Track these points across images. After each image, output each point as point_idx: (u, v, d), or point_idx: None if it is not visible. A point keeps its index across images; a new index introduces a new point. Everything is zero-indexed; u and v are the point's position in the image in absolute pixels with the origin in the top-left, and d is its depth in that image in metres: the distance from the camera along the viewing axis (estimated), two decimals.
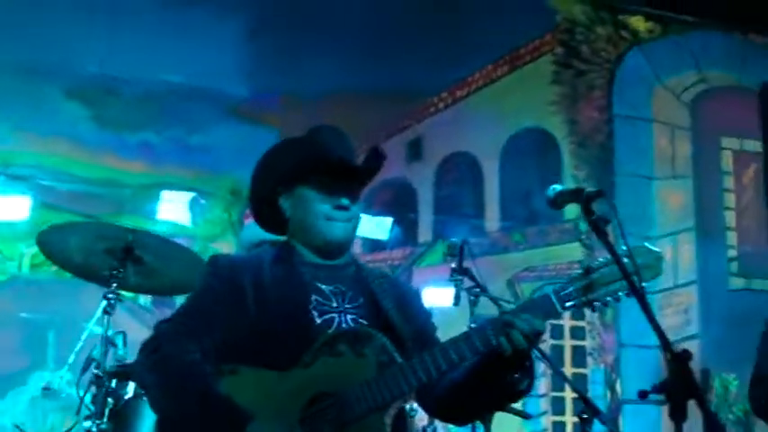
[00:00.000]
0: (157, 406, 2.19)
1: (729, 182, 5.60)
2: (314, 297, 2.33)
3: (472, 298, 3.61)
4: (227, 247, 4.40)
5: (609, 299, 2.25)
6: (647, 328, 5.81)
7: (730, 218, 5.54)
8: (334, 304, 2.35)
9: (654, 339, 5.86)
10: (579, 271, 2.27)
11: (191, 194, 4.60)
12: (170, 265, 3.27)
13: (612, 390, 5.13)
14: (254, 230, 4.09)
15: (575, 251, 5.19)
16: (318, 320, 2.29)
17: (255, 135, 4.70)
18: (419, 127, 4.99)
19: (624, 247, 2.20)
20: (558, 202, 2.46)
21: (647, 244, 2.31)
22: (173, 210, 4.54)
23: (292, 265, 2.39)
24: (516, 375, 2.25)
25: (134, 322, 4.27)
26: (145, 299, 4.28)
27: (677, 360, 1.99)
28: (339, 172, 2.40)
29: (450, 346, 2.22)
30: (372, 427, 2.17)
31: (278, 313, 2.28)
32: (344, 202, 2.38)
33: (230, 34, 4.70)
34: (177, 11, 4.63)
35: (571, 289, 2.25)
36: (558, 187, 2.46)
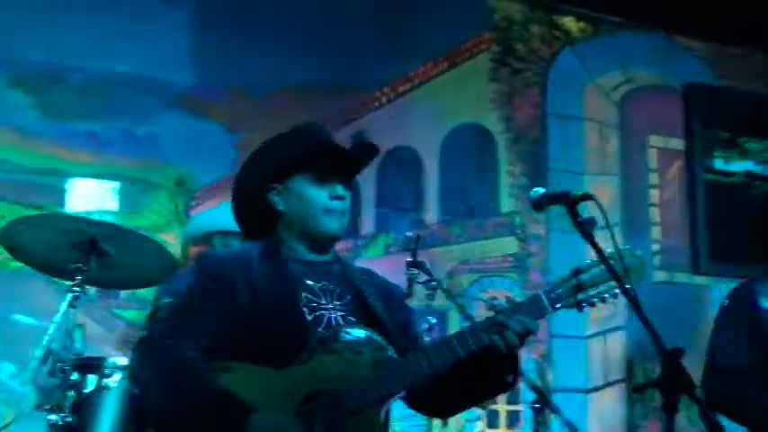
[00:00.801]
0: (157, 404, 2.21)
1: (654, 179, 5.83)
2: (304, 294, 2.38)
3: (429, 292, 3.71)
4: (171, 237, 4.38)
5: (596, 300, 2.37)
6: (577, 319, 6.02)
7: (654, 213, 5.76)
8: (324, 301, 2.41)
9: (584, 330, 6.05)
10: (568, 272, 2.39)
11: (112, 183, 4.55)
12: (135, 257, 3.26)
13: (543, 379, 5.29)
14: (200, 222, 4.11)
15: (510, 245, 5.34)
16: (309, 317, 2.35)
17: (202, 127, 4.70)
18: (362, 121, 5.04)
19: (611, 250, 2.32)
20: (542, 203, 2.56)
21: (630, 247, 2.44)
22: (83, 199, 4.48)
23: (281, 261, 2.42)
24: (503, 370, 2.35)
25: (79, 313, 4.22)
26: (90, 290, 4.24)
27: (669, 356, 2.12)
28: (334, 160, 2.44)
29: (445, 345, 2.30)
30: (368, 423, 2.24)
31: (269, 310, 2.32)
32: (341, 191, 2.43)
33: (178, 24, 4.68)
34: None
35: (561, 290, 2.36)
36: (540, 190, 2.57)
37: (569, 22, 5.75)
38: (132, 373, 2.33)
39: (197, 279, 2.36)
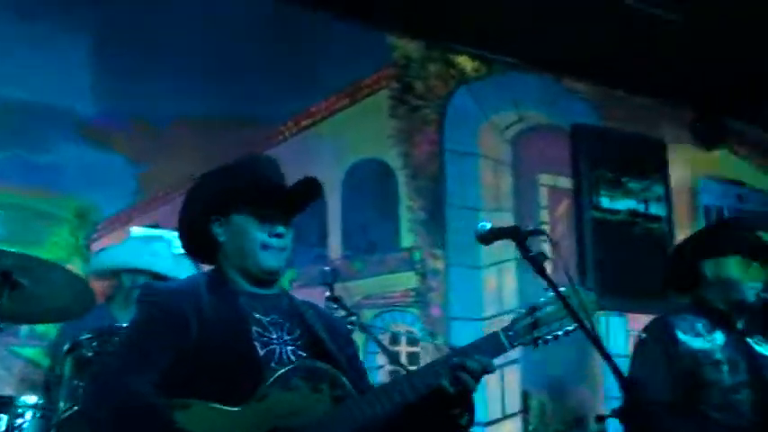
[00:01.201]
0: None
1: (545, 216, 5.99)
2: (254, 328, 2.34)
3: (349, 326, 3.69)
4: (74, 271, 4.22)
5: (550, 337, 2.42)
6: (476, 302, 6.01)
7: (546, 249, 5.89)
8: (274, 335, 2.37)
9: (481, 312, 6.08)
10: (524, 310, 2.43)
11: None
12: (51, 289, 3.13)
13: None
14: (108, 258, 3.98)
15: (411, 279, 5.38)
16: (261, 352, 2.30)
17: (103, 157, 4.56)
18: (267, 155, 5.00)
19: (562, 288, 2.37)
20: (489, 238, 2.60)
21: (579, 287, 2.49)
22: None
23: (229, 293, 2.38)
24: (457, 411, 2.35)
25: None
26: None
27: (630, 389, 2.18)
28: (276, 199, 2.43)
29: (403, 383, 2.29)
30: None
31: (220, 343, 2.27)
32: (280, 230, 2.41)
33: (79, 51, 4.55)
34: (23, 24, 4.43)
35: (518, 327, 2.40)
36: (487, 225, 2.61)
37: (464, 61, 5.88)
38: (87, 411, 2.22)
39: (147, 311, 2.29)
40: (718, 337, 3.69)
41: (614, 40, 5.73)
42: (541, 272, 2.38)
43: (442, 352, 5.35)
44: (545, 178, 6.04)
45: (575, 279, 5.64)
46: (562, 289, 2.38)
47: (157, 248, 3.79)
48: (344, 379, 2.28)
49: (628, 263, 5.98)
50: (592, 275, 5.91)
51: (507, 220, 5.78)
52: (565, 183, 6.11)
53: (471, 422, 2.40)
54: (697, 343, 3.64)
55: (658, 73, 6.33)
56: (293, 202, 2.47)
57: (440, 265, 5.46)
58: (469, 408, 2.36)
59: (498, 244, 5.69)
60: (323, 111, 5.30)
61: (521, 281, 5.75)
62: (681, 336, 3.64)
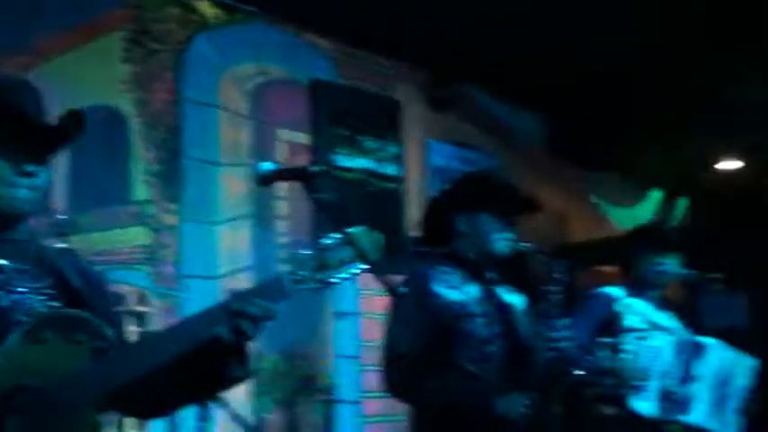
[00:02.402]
0: None
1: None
2: None
3: None
4: None
5: (335, 280, 2.30)
6: (211, 259, 5.80)
7: (282, 207, 5.81)
8: (20, 284, 2.12)
9: (216, 270, 5.88)
10: (309, 252, 2.29)
11: None
12: None
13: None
14: None
15: (142, 235, 5.08)
16: (6, 302, 2.06)
17: None
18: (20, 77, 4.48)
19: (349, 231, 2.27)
20: (271, 179, 2.46)
21: (366, 228, 2.39)
22: None
23: None
24: (232, 360, 2.20)
25: None
26: None
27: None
28: (29, 133, 2.15)
29: (164, 337, 2.12)
30: (81, 424, 1.98)
31: None
32: (29, 167, 2.15)
33: None
34: None
35: (304, 272, 2.26)
36: (270, 164, 2.45)
37: (205, 7, 5.59)
38: None
39: None
40: (473, 290, 3.78)
41: None
42: (329, 214, 2.27)
43: (171, 312, 5.10)
44: (284, 134, 5.91)
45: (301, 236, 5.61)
46: (350, 230, 2.27)
47: None
48: (107, 330, 2.06)
49: (363, 221, 5.98)
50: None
51: (246, 174, 5.62)
52: (303, 139, 6.02)
53: (246, 373, 2.25)
54: (453, 295, 3.71)
55: (395, 34, 6.38)
56: (50, 138, 2.19)
57: (173, 220, 5.20)
58: (245, 358, 2.21)
59: (236, 200, 5.56)
60: (47, 49, 4.82)
61: (256, 237, 5.61)
62: (436, 288, 3.69)
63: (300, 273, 2.23)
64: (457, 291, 3.71)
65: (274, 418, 5.47)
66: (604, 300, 4.78)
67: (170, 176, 5.22)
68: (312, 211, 5.84)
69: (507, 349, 3.73)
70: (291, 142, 5.94)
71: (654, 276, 4.96)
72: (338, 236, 2.28)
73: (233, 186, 5.53)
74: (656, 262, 4.96)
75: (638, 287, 4.94)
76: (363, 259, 2.26)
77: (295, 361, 5.64)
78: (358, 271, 2.30)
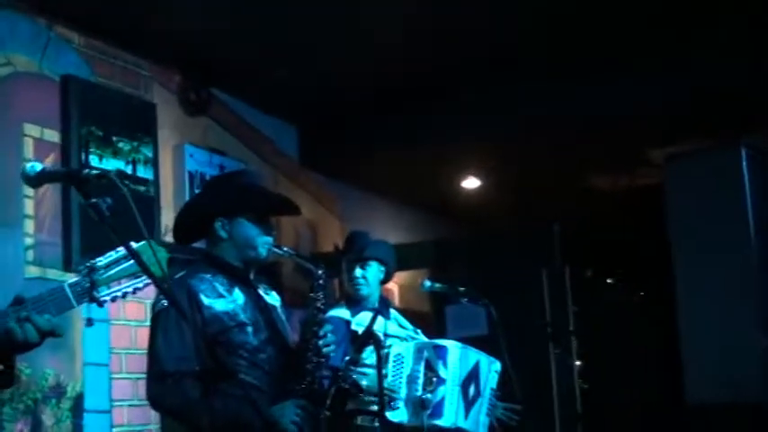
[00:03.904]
0: None
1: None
2: None
3: None
4: None
5: (119, 294, 2.23)
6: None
7: (29, 206, 5.50)
8: None
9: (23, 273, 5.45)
10: (88, 264, 2.21)
11: None
12: None
13: None
14: None
15: None
16: None
17: None
18: None
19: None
20: (39, 181, 2.33)
21: (153, 243, 2.32)
22: None
23: None
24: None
25: None
26: None
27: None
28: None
29: None
30: None
31: None
32: None
33: None
34: None
35: (86, 283, 2.18)
36: (37, 166, 2.33)
37: None
38: None
39: None
40: (239, 297, 3.71)
41: None
42: (104, 221, 2.17)
43: None
44: (30, 129, 5.60)
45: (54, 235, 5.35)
46: (135, 245, 2.19)
47: None
48: None
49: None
50: (78, 234, 5.62)
51: None
52: (53, 136, 5.73)
53: (12, 381, 2.13)
54: (220, 305, 3.63)
55: (151, 35, 6.26)
56: None
57: None
58: (10, 365, 2.10)
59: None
60: None
61: None
62: (204, 300, 3.60)
63: (83, 284, 2.18)
64: (224, 300, 3.64)
65: (20, 427, 5.14)
66: (337, 325, 4.59)
67: None
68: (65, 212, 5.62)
69: (276, 354, 3.72)
70: (39, 139, 5.64)
71: (355, 288, 5.04)
72: (121, 250, 2.22)
73: None
74: (356, 273, 5.04)
75: (356, 302, 5.03)
76: (145, 273, 2.21)
77: (41, 368, 5.34)
78: (142, 285, 2.26)
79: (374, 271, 5.11)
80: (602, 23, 6.37)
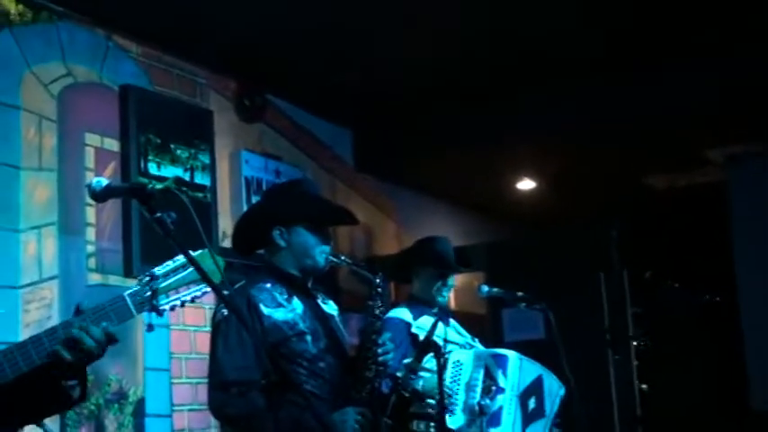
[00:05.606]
0: None
1: (91, 178, 5.63)
2: None
3: None
4: None
5: (178, 303, 2.24)
6: (13, 268, 5.55)
7: (90, 214, 5.58)
8: None
9: (19, 280, 5.68)
10: (148, 274, 2.22)
11: None
12: None
13: None
14: None
15: None
16: None
17: None
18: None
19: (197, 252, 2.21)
20: (105, 196, 2.36)
21: (208, 251, 2.33)
22: None
23: None
24: (71, 382, 2.11)
25: None
26: None
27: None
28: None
29: (15, 352, 1.99)
30: None
31: None
32: None
33: None
34: None
35: (146, 292, 2.20)
36: (103, 181, 2.36)
37: (8, 3, 5.31)
38: None
39: None
40: (297, 306, 3.72)
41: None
42: (169, 235, 2.18)
43: None
44: (91, 138, 5.69)
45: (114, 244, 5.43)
46: (194, 253, 2.21)
47: None
48: None
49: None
50: (137, 241, 5.69)
51: (51, 180, 5.37)
52: (112, 145, 5.81)
53: (84, 397, 2.15)
54: (280, 314, 3.63)
55: (207, 43, 6.31)
56: None
57: None
58: (83, 379, 2.12)
59: (41, 207, 5.31)
60: None
61: (61, 245, 5.36)
62: (264, 309, 3.61)
63: (143, 294, 2.20)
64: (283, 309, 3.64)
65: (83, 431, 5.22)
66: (397, 326, 4.69)
67: None
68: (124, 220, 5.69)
69: (336, 362, 3.72)
70: (100, 148, 5.72)
71: (431, 293, 5.01)
72: (181, 258, 2.23)
73: (37, 192, 5.27)
74: (434, 278, 5.03)
75: (419, 305, 4.99)
76: (206, 281, 2.22)
77: (104, 374, 5.41)
78: (200, 293, 2.27)
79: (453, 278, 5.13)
80: (661, 22, 6.28)
